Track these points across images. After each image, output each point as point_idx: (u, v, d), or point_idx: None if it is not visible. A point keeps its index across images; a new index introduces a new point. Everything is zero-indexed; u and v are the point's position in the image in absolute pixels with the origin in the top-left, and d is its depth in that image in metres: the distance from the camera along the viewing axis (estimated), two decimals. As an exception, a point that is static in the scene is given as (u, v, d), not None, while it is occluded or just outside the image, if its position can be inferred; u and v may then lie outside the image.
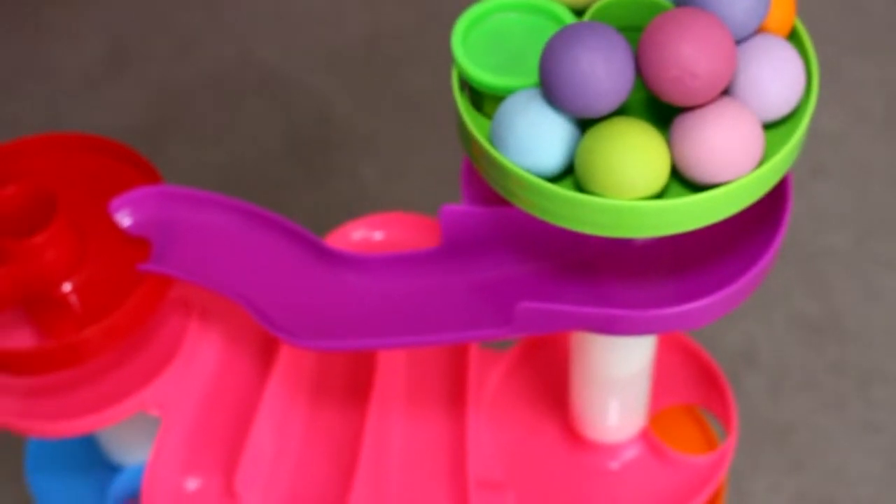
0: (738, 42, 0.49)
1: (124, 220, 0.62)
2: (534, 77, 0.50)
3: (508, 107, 0.49)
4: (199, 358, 0.67)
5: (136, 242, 0.62)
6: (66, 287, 0.63)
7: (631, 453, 0.68)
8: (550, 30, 0.52)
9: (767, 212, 0.54)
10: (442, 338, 0.55)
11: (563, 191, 0.48)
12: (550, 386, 0.71)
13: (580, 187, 0.49)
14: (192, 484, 0.65)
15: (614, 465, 0.68)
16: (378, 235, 0.69)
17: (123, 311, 0.61)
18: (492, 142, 0.50)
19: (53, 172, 0.65)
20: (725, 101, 0.48)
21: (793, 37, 0.51)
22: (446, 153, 1.29)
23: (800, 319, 1.16)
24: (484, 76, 0.50)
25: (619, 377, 0.63)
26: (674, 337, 0.71)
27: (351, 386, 0.69)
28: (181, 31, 1.41)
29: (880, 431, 1.07)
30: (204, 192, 0.62)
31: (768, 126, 0.50)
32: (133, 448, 0.75)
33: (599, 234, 0.49)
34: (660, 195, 0.49)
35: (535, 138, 0.48)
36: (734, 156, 0.48)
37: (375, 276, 0.58)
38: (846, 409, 1.11)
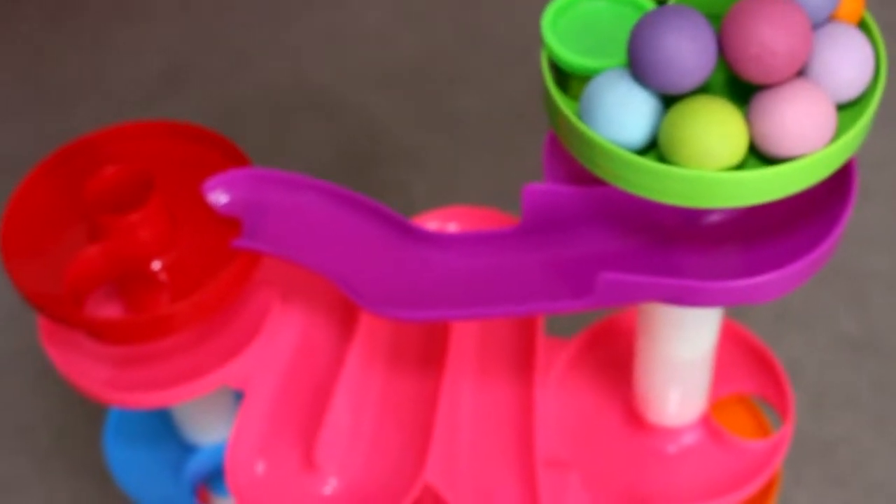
0: (813, 27, 0.52)
1: (216, 200, 0.65)
2: (620, 58, 0.54)
3: (597, 84, 0.52)
4: (281, 336, 0.70)
5: (226, 223, 0.65)
6: (158, 265, 0.65)
7: (691, 437, 0.71)
8: (634, 17, 0.55)
9: (834, 192, 0.58)
10: (522, 308, 0.58)
11: (649, 162, 0.51)
12: (613, 372, 0.74)
13: (662, 161, 0.52)
14: (273, 456, 0.68)
15: (674, 448, 0.71)
16: (451, 227, 0.72)
17: (213, 287, 0.64)
18: (580, 117, 0.53)
19: (149, 156, 0.68)
20: (801, 80, 0.51)
21: (862, 26, 0.55)
22: (493, 170, 1.33)
23: (842, 338, 1.18)
24: (574, 58, 0.54)
25: (683, 359, 0.66)
26: (732, 328, 0.74)
27: (423, 363, 0.72)
28: (237, 49, 1.45)
29: (921, 447, 1.09)
30: (293, 174, 0.65)
31: (839, 107, 0.53)
32: (209, 428, 0.78)
33: (680, 205, 0.52)
34: (738, 168, 0.52)
35: (622, 113, 0.52)
36: (808, 131, 0.51)
37: (458, 252, 0.62)
38: (887, 426, 1.13)
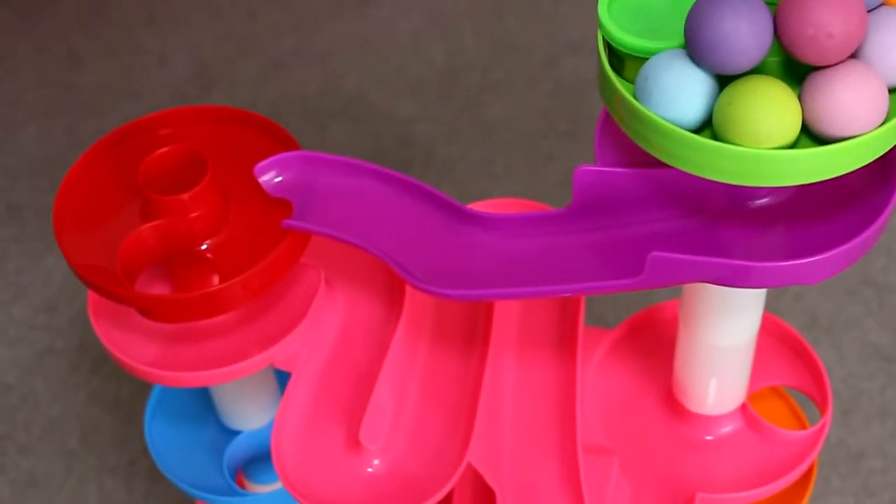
0: (868, 10, 0.53)
1: (267, 182, 0.66)
2: (675, 40, 0.55)
3: (654, 64, 0.53)
4: (326, 318, 0.71)
5: (276, 205, 0.66)
6: (208, 245, 0.66)
7: (730, 426, 0.72)
8: (688, 3, 0.56)
9: (881, 176, 0.59)
10: (572, 288, 0.59)
11: (705, 140, 0.52)
12: (653, 361, 0.75)
13: (716, 139, 0.53)
14: (318, 437, 0.69)
15: (714, 436, 0.72)
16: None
17: (262, 266, 0.65)
18: (636, 97, 0.54)
19: (202, 139, 0.69)
20: (854, 62, 0.52)
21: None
22: (522, 176, 1.34)
23: (871, 349, 1.19)
24: (630, 39, 0.55)
25: (725, 347, 0.67)
26: (771, 321, 0.74)
27: (466, 345, 0.73)
28: (266, 55, 1.47)
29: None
30: (342, 157, 0.66)
31: (891, 90, 0.54)
32: (250, 414, 0.78)
33: (734, 183, 0.53)
34: (791, 148, 0.53)
35: (678, 93, 0.53)
36: (861, 112, 0.52)
37: (508, 233, 0.63)
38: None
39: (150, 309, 0.65)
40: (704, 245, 0.58)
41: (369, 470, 0.68)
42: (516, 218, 0.62)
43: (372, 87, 1.40)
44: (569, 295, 0.58)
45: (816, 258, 0.56)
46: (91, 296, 0.70)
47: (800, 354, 0.74)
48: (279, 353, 0.68)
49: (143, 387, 1.23)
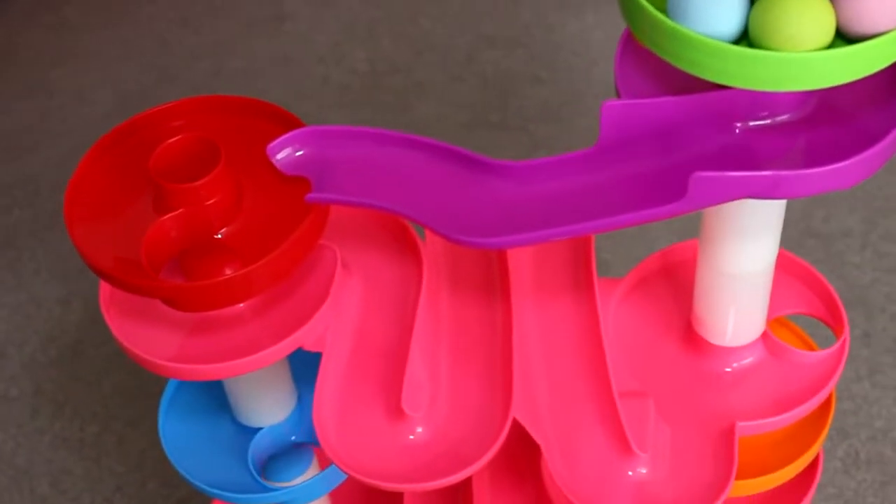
0: None
1: (282, 161, 0.65)
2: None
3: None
4: (347, 298, 0.71)
5: (293, 183, 0.65)
6: (228, 232, 0.65)
7: (755, 355, 0.73)
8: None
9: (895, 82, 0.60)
10: (616, 220, 0.59)
11: (744, 49, 0.53)
12: (667, 305, 0.75)
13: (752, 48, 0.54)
14: (358, 410, 0.68)
15: (740, 367, 0.73)
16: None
17: (289, 244, 0.64)
18: (669, 16, 0.55)
19: (213, 128, 0.68)
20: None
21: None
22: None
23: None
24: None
25: (745, 274, 0.68)
26: (782, 255, 0.75)
27: (488, 304, 0.73)
28: (187, 80, 1.45)
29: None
30: (354, 127, 0.66)
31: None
32: (267, 409, 0.77)
33: (770, 89, 0.54)
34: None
35: (713, 6, 0.53)
36: (892, 8, 0.53)
37: (538, 178, 0.63)
38: (876, 375, 1.16)
39: (180, 298, 0.64)
40: (739, 162, 0.59)
41: (411, 437, 0.68)
42: (544, 162, 0.62)
43: (298, 100, 1.39)
44: (614, 228, 0.59)
45: (851, 161, 0.57)
46: (103, 294, 0.69)
47: (808, 283, 0.75)
48: (307, 335, 0.68)
49: (108, 424, 1.21)
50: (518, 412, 0.68)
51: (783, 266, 0.75)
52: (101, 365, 1.26)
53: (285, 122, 0.68)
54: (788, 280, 0.75)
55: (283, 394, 0.77)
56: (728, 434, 0.69)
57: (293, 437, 0.79)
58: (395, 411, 0.68)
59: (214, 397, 0.79)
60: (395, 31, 1.47)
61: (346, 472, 0.66)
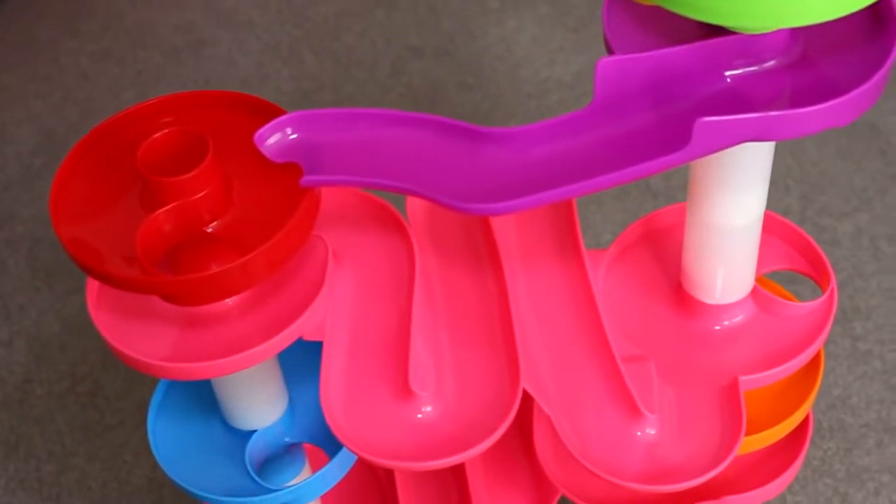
0: None
1: (270, 148, 0.65)
2: None
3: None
4: (341, 286, 0.70)
5: (282, 173, 0.65)
6: (221, 224, 0.65)
7: (746, 311, 0.73)
8: None
9: (877, 25, 0.62)
10: (620, 175, 0.60)
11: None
12: (655, 271, 0.76)
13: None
14: (365, 395, 0.68)
15: (732, 323, 0.73)
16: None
17: (284, 233, 0.63)
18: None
19: (200, 122, 0.67)
20: None
21: None
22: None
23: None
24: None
25: (735, 226, 0.69)
26: (771, 217, 0.76)
27: (480, 281, 0.73)
28: (112, 112, 1.43)
29: None
30: (340, 109, 0.66)
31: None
32: (260, 411, 0.76)
33: (761, 27, 0.55)
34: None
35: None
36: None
37: (533, 142, 0.63)
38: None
39: (179, 292, 0.63)
40: (734, 109, 0.60)
41: (419, 416, 0.67)
42: (540, 126, 0.63)
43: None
44: (618, 183, 0.59)
45: (848, 96, 0.58)
46: (90, 296, 0.67)
47: (789, 240, 0.77)
48: (307, 324, 0.67)
49: (66, 461, 1.18)
50: (526, 382, 0.67)
51: (764, 225, 0.76)
52: (52, 403, 1.24)
53: (272, 114, 0.68)
54: (769, 239, 0.76)
55: (274, 395, 0.76)
56: (732, 388, 0.70)
57: (287, 439, 0.78)
58: (402, 392, 0.67)
59: (203, 402, 0.78)
60: (318, 48, 1.47)
61: (357, 454, 0.65)
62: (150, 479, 1.16)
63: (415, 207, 0.77)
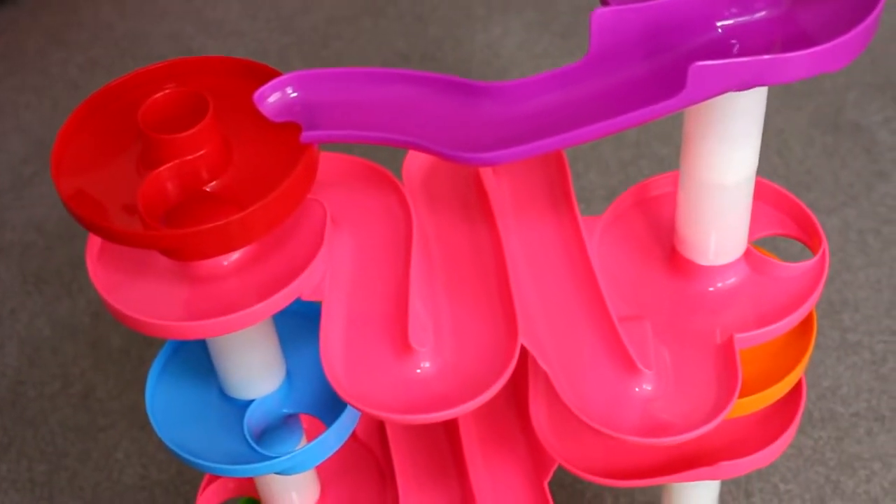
0: None
1: (270, 107, 0.65)
2: None
3: None
4: (339, 250, 0.71)
5: (282, 133, 0.65)
6: (221, 183, 0.65)
7: (740, 272, 0.74)
8: None
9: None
10: (621, 120, 0.60)
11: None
12: (649, 235, 0.77)
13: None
14: (365, 352, 0.68)
15: (726, 285, 0.74)
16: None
17: (284, 188, 0.64)
18: None
19: (202, 85, 0.68)
20: None
21: None
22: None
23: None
24: None
25: (727, 184, 0.69)
26: (762, 183, 0.77)
27: (477, 244, 0.73)
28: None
29: None
30: (338, 69, 0.66)
31: None
32: (258, 379, 0.77)
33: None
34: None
35: None
36: None
37: (530, 94, 0.64)
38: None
39: (180, 246, 0.63)
40: (729, 56, 0.61)
41: (418, 371, 0.67)
42: (536, 79, 0.63)
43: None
44: (615, 130, 0.60)
45: (835, 42, 0.59)
46: (90, 253, 0.68)
47: (779, 205, 0.77)
48: (305, 284, 0.67)
49: (58, 462, 1.18)
50: (523, 338, 0.68)
51: (755, 192, 0.77)
52: (45, 404, 1.23)
53: (272, 78, 0.68)
54: (760, 205, 0.77)
55: (272, 364, 0.76)
56: (727, 346, 0.70)
57: (284, 410, 0.78)
58: (401, 348, 0.68)
59: (201, 373, 0.78)
60: (308, 54, 1.48)
61: (357, 408, 0.65)
62: (142, 477, 1.16)
63: (411, 170, 0.78)
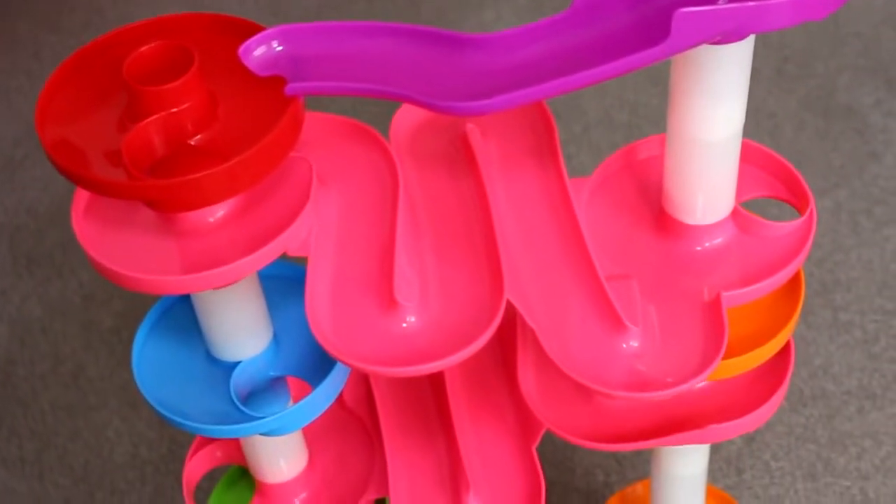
0: None
1: (255, 60, 0.65)
2: None
3: None
4: (325, 207, 0.71)
5: (267, 88, 0.65)
6: (203, 138, 0.65)
7: (727, 232, 0.74)
8: None
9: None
10: (607, 68, 0.60)
11: None
12: (637, 197, 0.77)
13: None
14: (350, 306, 0.68)
15: (713, 244, 0.74)
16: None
17: (268, 140, 0.64)
18: None
19: (189, 41, 0.68)
20: None
21: None
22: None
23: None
24: None
25: (715, 141, 0.69)
26: (749, 145, 0.77)
27: (463, 206, 0.73)
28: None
29: None
30: (324, 22, 0.66)
31: None
32: (244, 340, 0.76)
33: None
34: None
35: None
36: None
37: (517, 45, 0.64)
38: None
39: (164, 196, 0.63)
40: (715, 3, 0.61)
41: (404, 325, 0.67)
42: (522, 30, 0.64)
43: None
44: (601, 79, 0.60)
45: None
46: (76, 208, 0.68)
47: (766, 167, 0.77)
48: (291, 239, 0.67)
49: (48, 440, 1.18)
50: (509, 294, 0.68)
51: (742, 153, 0.77)
52: (35, 383, 1.23)
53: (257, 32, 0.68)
54: (747, 167, 0.77)
55: (258, 325, 0.76)
56: (714, 304, 0.70)
57: (271, 372, 0.78)
58: (387, 302, 0.67)
59: (188, 335, 0.78)
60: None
61: (341, 361, 0.65)
62: (132, 456, 1.16)
63: (398, 130, 0.78)
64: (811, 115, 1.39)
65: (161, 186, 0.63)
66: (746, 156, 0.76)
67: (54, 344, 1.26)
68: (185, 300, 0.79)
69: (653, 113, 1.39)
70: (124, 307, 1.26)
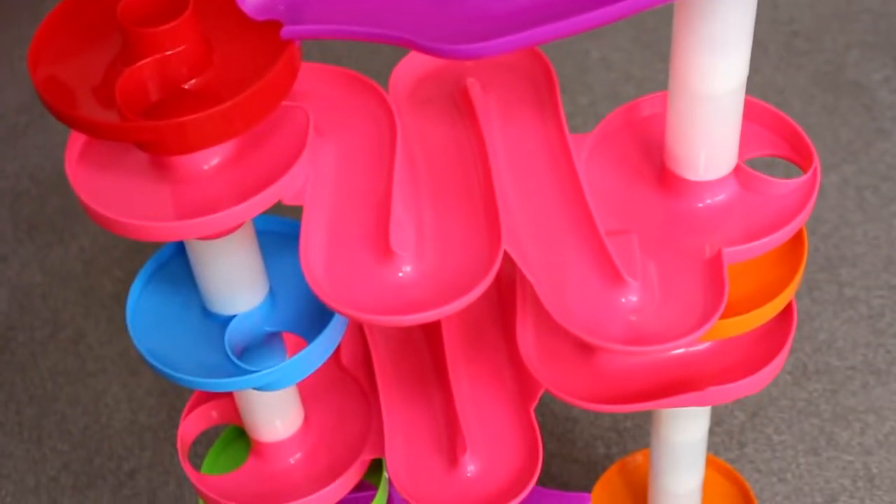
0: None
1: (250, 6, 0.65)
2: None
3: None
4: (322, 157, 0.70)
5: (263, 32, 0.65)
6: (198, 83, 0.64)
7: (729, 188, 0.73)
8: None
9: None
10: (609, 12, 0.60)
11: None
12: (638, 153, 0.76)
13: None
14: (345, 255, 0.67)
15: (715, 201, 0.73)
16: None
17: (265, 82, 0.63)
18: None
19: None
20: None
21: None
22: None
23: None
24: None
25: (716, 94, 0.68)
26: (753, 102, 0.76)
27: (461, 158, 0.72)
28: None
29: None
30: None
31: None
32: (237, 295, 0.76)
33: None
34: None
35: None
36: None
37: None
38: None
39: (158, 138, 0.62)
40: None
41: (400, 275, 0.67)
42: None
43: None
44: (602, 22, 0.59)
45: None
46: (69, 154, 0.67)
47: (769, 125, 0.76)
48: (287, 187, 0.67)
49: (47, 406, 1.18)
50: (507, 245, 0.67)
51: (745, 112, 0.76)
52: (35, 349, 1.23)
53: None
54: (751, 125, 0.76)
55: (254, 278, 0.75)
56: (715, 259, 0.69)
57: (266, 328, 0.77)
58: (383, 252, 0.67)
59: (184, 290, 0.78)
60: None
61: (336, 309, 0.64)
62: (131, 422, 1.16)
63: (397, 83, 0.77)
64: (819, 91, 1.38)
65: (154, 128, 0.62)
66: (750, 114, 0.75)
67: (54, 310, 1.25)
68: (182, 254, 0.78)
69: (659, 88, 1.38)
70: (125, 274, 1.26)
